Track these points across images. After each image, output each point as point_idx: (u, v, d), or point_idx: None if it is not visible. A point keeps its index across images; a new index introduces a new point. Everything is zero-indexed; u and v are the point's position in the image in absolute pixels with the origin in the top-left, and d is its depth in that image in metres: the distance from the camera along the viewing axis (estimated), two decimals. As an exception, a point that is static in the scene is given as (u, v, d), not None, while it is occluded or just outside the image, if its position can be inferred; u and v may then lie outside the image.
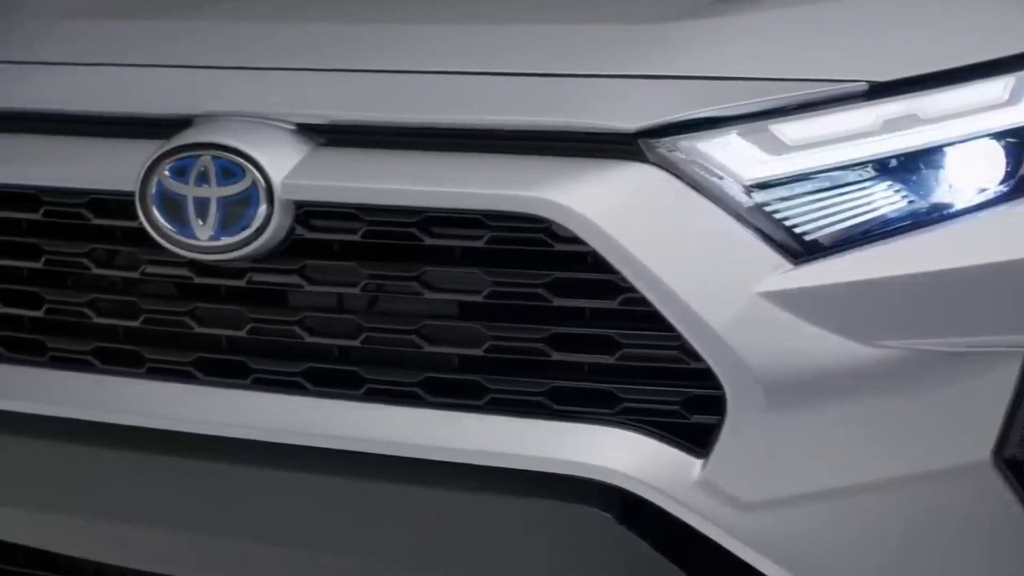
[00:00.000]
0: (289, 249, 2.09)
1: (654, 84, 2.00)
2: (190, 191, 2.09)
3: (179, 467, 2.18)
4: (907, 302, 1.94)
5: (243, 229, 2.07)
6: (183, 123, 2.14)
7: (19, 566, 2.45)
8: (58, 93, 2.25)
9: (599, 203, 1.95)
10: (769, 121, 1.97)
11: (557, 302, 2.00)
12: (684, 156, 1.96)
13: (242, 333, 2.15)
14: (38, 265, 2.26)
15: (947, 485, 1.99)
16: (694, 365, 1.96)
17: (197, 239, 2.09)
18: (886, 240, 1.95)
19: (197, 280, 2.16)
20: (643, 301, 1.95)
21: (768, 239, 1.94)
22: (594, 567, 2.04)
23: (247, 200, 2.07)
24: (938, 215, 1.96)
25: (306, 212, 2.08)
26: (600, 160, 1.97)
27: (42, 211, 2.24)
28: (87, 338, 2.26)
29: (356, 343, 2.10)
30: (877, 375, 1.95)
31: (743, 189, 1.95)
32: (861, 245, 1.95)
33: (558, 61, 2.04)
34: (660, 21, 2.06)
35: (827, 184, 1.96)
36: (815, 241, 1.95)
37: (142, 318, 2.21)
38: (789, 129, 1.96)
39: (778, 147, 1.96)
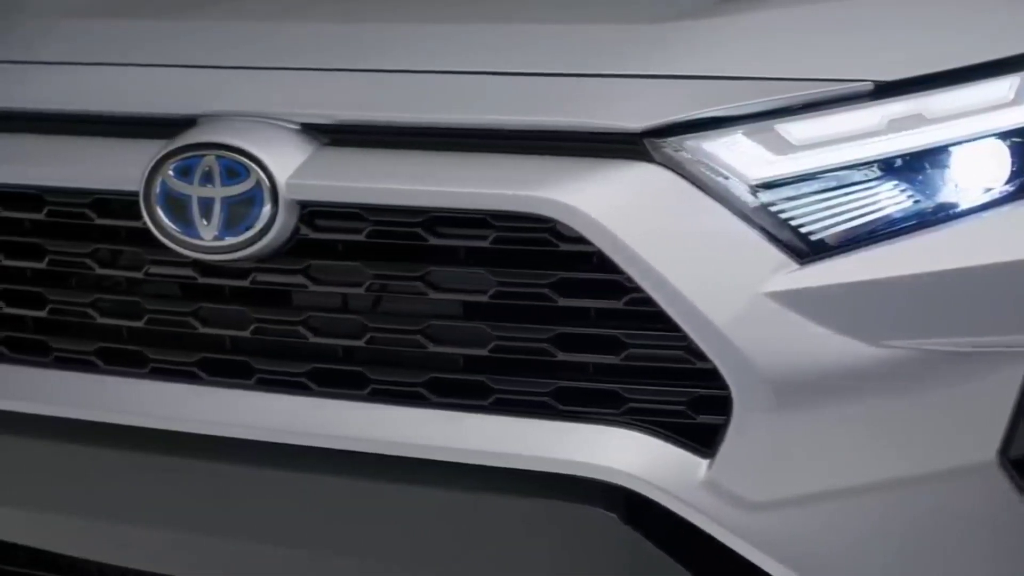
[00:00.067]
0: (293, 249, 2.09)
1: (659, 84, 2.00)
2: (194, 191, 2.08)
3: (179, 467, 2.18)
4: (913, 302, 1.94)
5: (247, 229, 2.07)
6: (187, 123, 2.14)
7: (19, 566, 2.44)
8: (62, 93, 2.25)
9: (604, 203, 1.94)
10: (775, 121, 1.97)
11: (562, 302, 2.00)
12: (690, 156, 1.96)
13: (246, 333, 2.15)
14: (41, 265, 2.26)
15: (952, 485, 1.99)
16: (700, 365, 1.96)
17: (201, 239, 2.09)
18: (892, 240, 1.95)
19: (201, 280, 2.16)
20: (649, 301, 1.95)
21: (774, 239, 1.94)
22: (599, 567, 2.03)
23: (251, 200, 2.06)
24: (944, 215, 1.96)
25: (310, 212, 2.08)
26: (606, 160, 1.96)
27: (45, 211, 2.23)
28: (90, 338, 2.25)
29: (360, 343, 2.09)
30: (883, 375, 1.94)
31: (749, 189, 1.95)
32: (867, 245, 1.95)
33: (563, 61, 2.04)
34: (666, 21, 2.06)
35: (833, 184, 1.96)
36: (821, 241, 1.95)
37: (146, 318, 2.21)
38: (795, 129, 1.96)
39: (784, 147, 1.96)
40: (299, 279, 2.10)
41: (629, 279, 1.95)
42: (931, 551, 2.01)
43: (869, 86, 1.97)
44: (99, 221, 2.21)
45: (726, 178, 1.95)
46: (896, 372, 1.94)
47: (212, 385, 2.17)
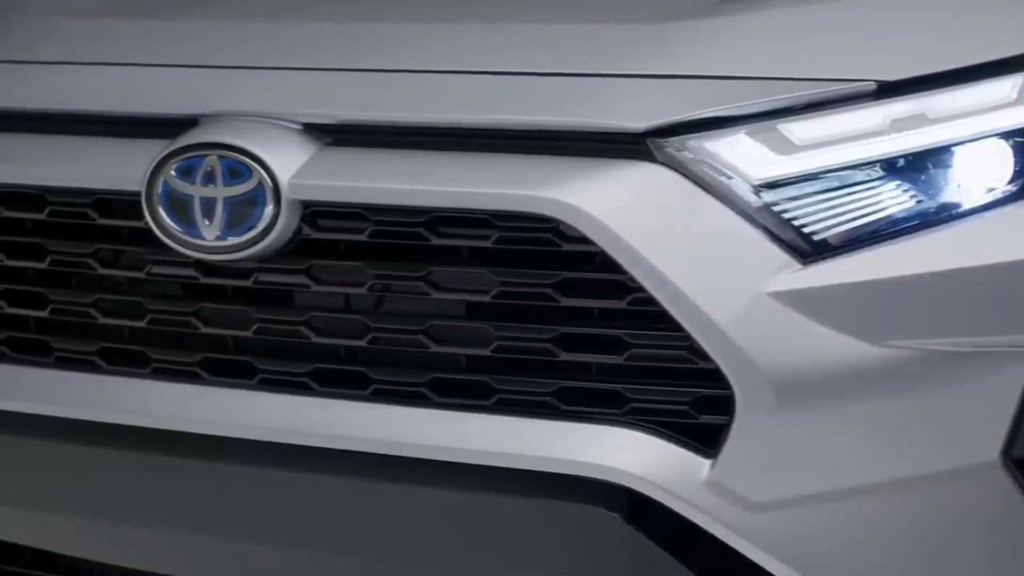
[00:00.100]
0: (296, 249, 2.09)
1: (662, 84, 1.99)
2: (196, 191, 2.08)
3: (179, 467, 2.18)
4: (915, 302, 1.94)
5: (250, 229, 2.06)
6: (189, 123, 2.14)
7: (19, 566, 2.44)
8: (64, 93, 2.25)
9: (607, 203, 1.94)
10: (777, 121, 1.97)
11: (565, 302, 2.00)
12: (692, 156, 1.96)
13: (248, 333, 2.15)
14: (43, 265, 2.26)
15: (955, 485, 1.98)
16: (703, 365, 1.96)
17: (203, 239, 2.08)
18: (894, 240, 1.95)
19: (203, 280, 2.16)
20: (651, 301, 1.95)
21: (777, 239, 1.94)
22: (601, 567, 2.03)
23: (254, 200, 2.06)
24: (946, 215, 1.96)
25: (313, 212, 2.07)
26: (608, 160, 1.96)
27: (47, 211, 2.23)
28: (92, 338, 2.25)
29: (363, 343, 2.09)
30: (885, 375, 1.94)
31: (752, 189, 1.95)
32: (870, 245, 1.94)
33: (566, 60, 2.04)
34: (668, 20, 2.06)
35: (835, 184, 1.96)
36: (824, 241, 1.95)
37: (148, 318, 2.21)
38: (797, 129, 1.96)
39: (787, 147, 1.96)
40: (301, 279, 2.10)
41: (632, 279, 1.95)
42: (934, 551, 2.01)
43: (872, 86, 1.97)
44: (101, 221, 2.20)
45: (729, 178, 1.95)
46: (899, 372, 1.94)
47: (214, 385, 2.17)
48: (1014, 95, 1.97)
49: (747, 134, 1.96)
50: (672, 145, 1.96)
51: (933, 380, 1.95)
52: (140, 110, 2.18)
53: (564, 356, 2.02)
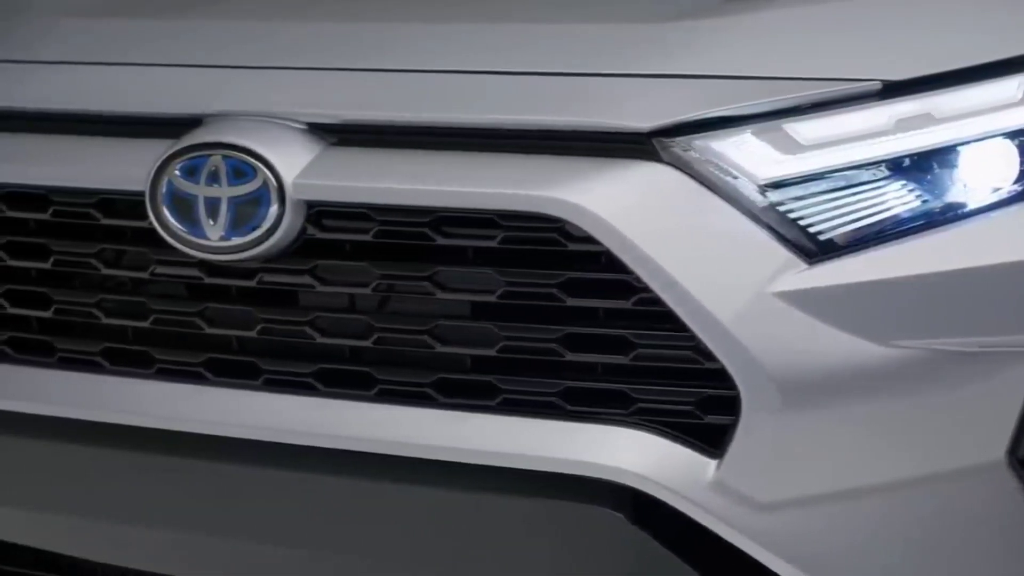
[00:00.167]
0: (300, 249, 2.09)
1: (668, 83, 1.99)
2: (201, 191, 2.08)
3: (179, 467, 2.17)
4: (921, 302, 1.94)
5: (254, 229, 2.06)
6: (193, 122, 2.14)
7: (19, 566, 2.44)
8: (67, 93, 2.24)
9: (613, 203, 1.94)
10: (783, 120, 1.97)
11: (571, 302, 2.00)
12: (698, 155, 1.95)
13: (253, 334, 2.15)
14: (46, 265, 2.25)
15: (961, 485, 1.98)
16: (708, 365, 1.96)
17: (208, 239, 2.08)
18: (900, 240, 1.94)
19: (207, 280, 2.16)
20: (657, 301, 1.95)
21: (782, 239, 1.94)
22: (606, 567, 2.03)
23: (258, 200, 2.06)
24: (952, 214, 1.96)
25: (317, 212, 2.07)
26: (614, 160, 1.96)
27: (51, 211, 2.23)
28: (96, 339, 2.25)
29: (368, 343, 2.09)
30: (891, 375, 1.94)
31: (757, 188, 1.95)
32: (875, 245, 1.94)
33: (571, 60, 2.04)
34: (673, 20, 2.06)
35: (841, 183, 1.96)
36: (830, 241, 1.95)
37: (152, 319, 2.20)
38: (803, 128, 1.96)
39: (792, 146, 1.96)
40: (306, 279, 2.10)
41: (638, 279, 1.95)
42: (939, 552, 2.01)
43: (877, 86, 1.97)
44: (104, 221, 2.20)
45: (735, 178, 1.95)
46: (905, 372, 1.94)
47: (218, 386, 2.17)
48: (1020, 95, 1.97)
49: (753, 134, 1.96)
50: (678, 145, 1.96)
51: (939, 380, 1.95)
52: (144, 110, 2.18)
53: (569, 356, 2.01)
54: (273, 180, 2.05)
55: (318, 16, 2.25)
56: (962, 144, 1.97)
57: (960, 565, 2.03)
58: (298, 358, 2.14)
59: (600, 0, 2.16)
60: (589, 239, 1.95)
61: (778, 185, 1.95)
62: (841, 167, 1.96)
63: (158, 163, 2.10)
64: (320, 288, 2.10)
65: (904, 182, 1.96)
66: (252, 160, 2.06)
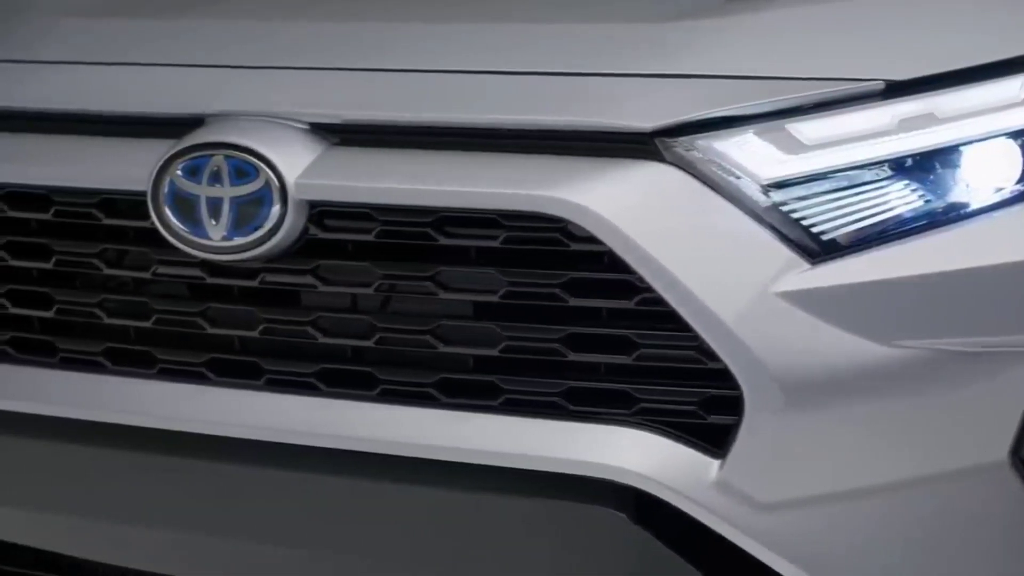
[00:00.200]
0: (302, 249, 2.08)
1: (670, 83, 1.99)
2: (203, 191, 2.08)
3: (179, 467, 2.17)
4: (924, 302, 1.94)
5: (256, 229, 2.06)
6: (195, 122, 2.13)
7: (19, 566, 2.44)
8: (69, 93, 2.24)
9: (616, 203, 1.94)
10: (786, 120, 1.96)
11: (573, 302, 2.00)
12: (701, 155, 1.95)
13: (255, 334, 2.14)
14: (48, 265, 2.25)
15: (964, 485, 1.99)
16: (711, 365, 1.96)
17: (210, 239, 2.08)
18: (903, 240, 1.94)
19: (209, 280, 2.15)
20: (660, 301, 1.94)
21: (785, 239, 1.94)
22: (608, 567, 2.03)
23: (260, 200, 2.06)
24: (955, 214, 1.96)
25: (320, 212, 2.07)
26: (617, 160, 1.96)
27: (52, 211, 2.23)
28: (98, 339, 2.25)
29: (370, 344, 2.09)
30: (894, 375, 1.94)
31: (760, 188, 1.95)
32: (878, 245, 1.94)
33: (574, 60, 2.04)
34: (676, 20, 2.06)
35: (844, 183, 1.96)
36: (832, 241, 1.94)
37: (154, 319, 2.20)
38: (806, 128, 1.96)
39: (795, 146, 1.96)
40: (308, 279, 2.10)
41: (640, 279, 1.95)
42: (943, 551, 2.01)
43: (880, 85, 1.97)
44: (106, 221, 2.20)
45: (737, 178, 1.95)
46: (907, 372, 1.94)
47: (221, 386, 2.16)
48: (1022, 95, 1.97)
49: (755, 134, 1.96)
50: (680, 145, 1.96)
51: (942, 380, 1.95)
52: (146, 110, 2.18)
53: (572, 356, 2.01)
54: (275, 180, 2.05)
55: (320, 16, 2.25)
56: (965, 144, 1.97)
57: (963, 565, 2.03)
58: (300, 358, 2.13)
59: (601, 1, 2.16)
60: (592, 239, 1.95)
61: (781, 185, 1.95)
62: (844, 167, 1.96)
63: (160, 163, 2.09)
64: (322, 288, 2.10)
65: (907, 182, 1.96)
66: (254, 160, 2.06)
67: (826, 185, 1.96)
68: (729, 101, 1.97)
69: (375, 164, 2.05)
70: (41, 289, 2.27)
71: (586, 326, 2.00)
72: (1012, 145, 1.97)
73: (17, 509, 2.32)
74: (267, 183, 2.05)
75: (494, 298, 2.02)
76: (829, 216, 1.95)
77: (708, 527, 1.99)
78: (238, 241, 2.07)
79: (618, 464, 1.98)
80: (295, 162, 2.06)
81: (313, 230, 2.07)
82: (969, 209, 1.96)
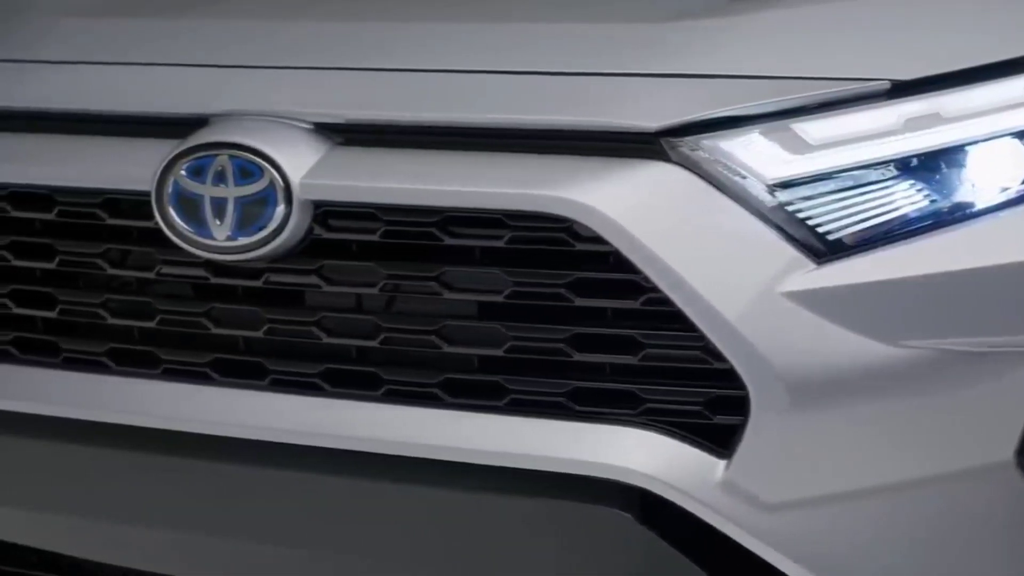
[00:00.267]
0: (307, 249, 2.08)
1: (676, 83, 1.99)
2: (207, 191, 2.08)
3: (179, 467, 2.17)
4: (930, 302, 1.93)
5: (260, 229, 2.06)
6: (199, 122, 2.13)
7: (19, 566, 2.43)
8: (73, 92, 2.24)
9: (621, 202, 1.94)
10: (791, 120, 1.96)
11: (579, 302, 1.99)
12: (706, 155, 1.95)
13: (259, 334, 2.14)
14: (51, 266, 2.25)
15: (969, 485, 1.98)
16: (717, 365, 1.96)
17: (214, 239, 2.08)
18: (909, 240, 1.94)
19: (213, 280, 2.15)
20: (666, 301, 1.94)
21: (791, 238, 1.94)
22: (614, 567, 2.03)
23: (265, 200, 2.06)
24: (961, 214, 1.96)
25: (324, 212, 2.07)
26: (622, 159, 1.96)
27: (56, 211, 2.22)
28: (101, 339, 2.24)
29: (374, 344, 2.09)
30: (900, 375, 1.94)
31: (766, 188, 1.95)
32: (884, 245, 1.94)
33: (579, 60, 2.04)
34: (680, 19, 2.06)
35: (850, 183, 1.96)
36: (838, 240, 1.94)
37: (157, 319, 2.20)
38: (811, 128, 1.96)
39: (801, 146, 1.96)
40: (312, 279, 2.10)
41: (646, 279, 1.94)
42: (948, 552, 2.01)
43: (886, 85, 1.96)
44: (110, 221, 2.20)
45: (743, 177, 1.95)
46: (913, 372, 1.94)
47: (225, 386, 2.16)
48: (1028, 94, 1.97)
49: (761, 133, 1.96)
50: (686, 144, 1.96)
51: (947, 380, 1.95)
52: (150, 109, 2.18)
53: (577, 356, 2.01)
54: (280, 180, 2.05)
55: (323, 15, 2.24)
56: (970, 144, 1.96)
57: (968, 565, 2.03)
58: (304, 358, 2.13)
59: (606, 0, 2.16)
60: (597, 239, 1.95)
61: (786, 185, 1.95)
62: (849, 167, 1.96)
63: (164, 163, 2.09)
64: (327, 288, 2.10)
65: (912, 182, 1.96)
66: (259, 160, 2.05)
67: (832, 185, 1.96)
68: (734, 101, 1.96)
69: (380, 164, 2.05)
70: (44, 289, 2.27)
71: (591, 326, 2.00)
72: (1018, 145, 1.97)
73: (17, 509, 2.32)
74: (271, 183, 2.05)
75: (499, 298, 2.02)
76: (835, 216, 1.95)
77: (714, 527, 1.99)
78: (242, 241, 2.07)
79: (624, 464, 1.98)
80: (299, 162, 2.06)
81: (317, 230, 2.07)
82: (975, 209, 1.96)
